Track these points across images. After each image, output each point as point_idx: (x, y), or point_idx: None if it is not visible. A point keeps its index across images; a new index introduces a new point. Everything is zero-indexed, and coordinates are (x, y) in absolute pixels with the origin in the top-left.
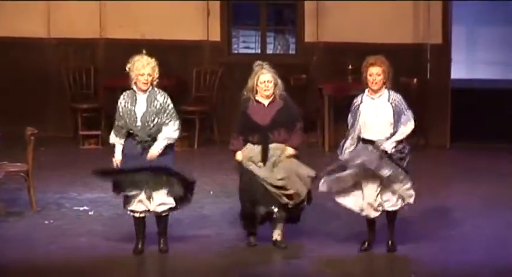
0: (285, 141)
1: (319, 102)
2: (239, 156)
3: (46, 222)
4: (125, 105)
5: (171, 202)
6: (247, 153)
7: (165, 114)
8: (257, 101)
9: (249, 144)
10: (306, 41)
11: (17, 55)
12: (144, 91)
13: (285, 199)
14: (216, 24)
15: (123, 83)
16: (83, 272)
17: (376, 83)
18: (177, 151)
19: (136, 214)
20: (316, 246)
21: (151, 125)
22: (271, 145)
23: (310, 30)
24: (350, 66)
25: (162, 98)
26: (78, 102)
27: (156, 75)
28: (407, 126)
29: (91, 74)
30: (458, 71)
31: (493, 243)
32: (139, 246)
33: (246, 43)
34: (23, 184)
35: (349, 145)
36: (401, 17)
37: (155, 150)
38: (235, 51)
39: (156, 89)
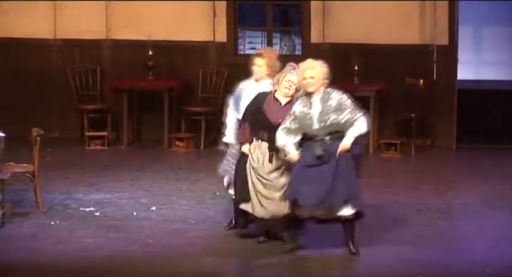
0: None
1: None
2: (246, 148)
3: (52, 222)
4: (301, 110)
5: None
6: (253, 150)
7: (347, 112)
8: (275, 98)
9: (255, 139)
10: (312, 42)
11: (22, 56)
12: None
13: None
14: (222, 24)
15: (129, 84)
16: (89, 273)
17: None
18: (183, 152)
19: None
20: (325, 245)
21: (328, 122)
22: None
23: (316, 30)
24: (356, 67)
25: (337, 96)
26: (84, 103)
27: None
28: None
29: (97, 75)
30: (465, 72)
31: (498, 243)
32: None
33: (252, 44)
34: (29, 185)
35: None
36: (407, 18)
37: (348, 142)
38: (242, 52)
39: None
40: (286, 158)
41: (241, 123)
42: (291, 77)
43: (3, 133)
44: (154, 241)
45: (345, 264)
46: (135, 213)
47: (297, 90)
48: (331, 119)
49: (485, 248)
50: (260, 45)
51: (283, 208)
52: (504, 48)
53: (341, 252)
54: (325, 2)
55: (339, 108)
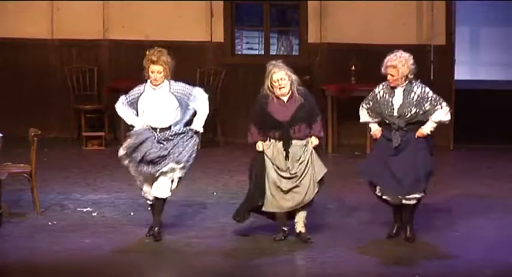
0: (305, 136)
1: (322, 103)
2: (260, 146)
3: (49, 223)
4: (382, 96)
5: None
6: (266, 148)
7: (428, 103)
8: (277, 97)
9: (268, 140)
10: (309, 42)
11: (20, 56)
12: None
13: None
14: (219, 25)
15: (127, 84)
16: (86, 273)
17: None
18: None
19: None
20: (325, 245)
21: (409, 115)
22: (293, 143)
23: (313, 31)
24: (353, 67)
25: (419, 89)
26: (82, 103)
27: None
28: None
29: (94, 75)
30: (462, 72)
31: (497, 244)
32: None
33: (249, 44)
34: (27, 185)
35: None
36: (404, 18)
37: (427, 130)
38: (239, 52)
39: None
40: (371, 133)
41: (249, 125)
42: (277, 76)
43: (1, 133)
44: (152, 241)
45: (342, 264)
46: (132, 213)
47: (291, 82)
48: (411, 113)
49: (485, 248)
50: (257, 45)
51: (305, 199)
52: (501, 49)
53: (338, 252)
54: (322, 2)
55: (420, 102)
